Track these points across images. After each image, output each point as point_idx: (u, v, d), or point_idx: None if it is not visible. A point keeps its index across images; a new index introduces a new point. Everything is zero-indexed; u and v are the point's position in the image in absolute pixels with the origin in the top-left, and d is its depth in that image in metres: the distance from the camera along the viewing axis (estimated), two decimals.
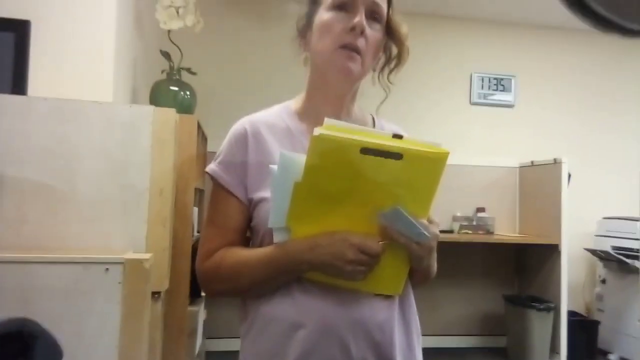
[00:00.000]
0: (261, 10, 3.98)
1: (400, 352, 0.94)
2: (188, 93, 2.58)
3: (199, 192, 2.76)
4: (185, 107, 2.50)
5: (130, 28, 2.47)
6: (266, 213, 0.90)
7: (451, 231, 3.99)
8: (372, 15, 0.96)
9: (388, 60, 1.03)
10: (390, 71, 1.04)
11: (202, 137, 2.88)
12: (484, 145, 4.29)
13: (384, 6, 0.98)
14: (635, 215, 3.73)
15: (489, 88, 4.36)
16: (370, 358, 0.90)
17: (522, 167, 4.24)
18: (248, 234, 1.00)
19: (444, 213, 4.01)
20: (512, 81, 4.37)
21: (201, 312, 2.61)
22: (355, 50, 0.94)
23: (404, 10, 1.03)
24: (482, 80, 4.35)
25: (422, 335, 1.03)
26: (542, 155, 3.98)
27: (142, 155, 1.77)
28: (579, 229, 4.01)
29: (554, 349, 3.60)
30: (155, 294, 1.77)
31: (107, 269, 1.53)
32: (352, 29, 0.93)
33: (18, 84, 1.99)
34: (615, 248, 3.80)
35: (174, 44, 2.56)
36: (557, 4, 0.56)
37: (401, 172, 0.80)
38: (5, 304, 1.44)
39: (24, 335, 0.50)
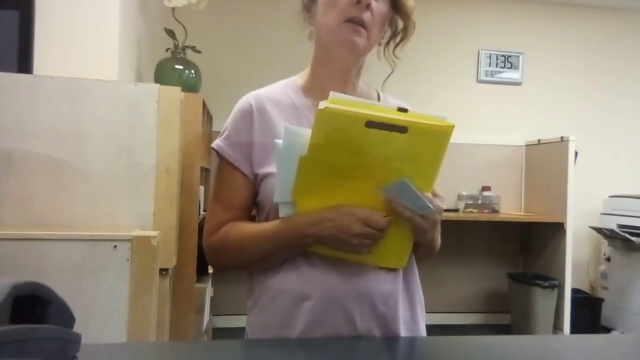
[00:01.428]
0: None
1: (404, 324, 0.95)
2: (193, 71, 2.57)
3: (205, 170, 2.78)
4: (191, 86, 2.50)
5: (135, 6, 2.45)
6: (272, 188, 0.91)
7: (456, 210, 3.99)
8: None
9: (394, 34, 1.03)
10: (396, 45, 1.03)
11: (208, 116, 2.89)
12: (490, 124, 4.27)
13: None
14: None
15: (496, 65, 4.31)
16: (375, 329, 0.92)
17: (528, 146, 4.21)
18: (254, 210, 1.01)
19: (449, 192, 4.00)
20: (520, 58, 4.32)
21: (208, 289, 2.65)
22: (361, 23, 0.93)
23: None
24: (490, 57, 4.30)
25: (427, 312, 1.04)
26: (550, 133, 3.95)
27: (148, 134, 1.78)
28: (585, 207, 4.01)
29: (558, 325, 3.63)
30: (163, 271, 1.80)
31: (115, 246, 1.55)
32: (358, 2, 0.92)
33: (23, 62, 1.99)
34: (620, 226, 3.80)
35: (179, 22, 2.54)
36: None
37: (406, 145, 0.81)
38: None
39: (36, 298, 0.52)
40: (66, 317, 0.53)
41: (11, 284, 0.46)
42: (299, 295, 0.90)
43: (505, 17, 4.32)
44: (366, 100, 0.84)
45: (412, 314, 0.98)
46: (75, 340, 0.53)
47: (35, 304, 0.50)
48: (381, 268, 0.92)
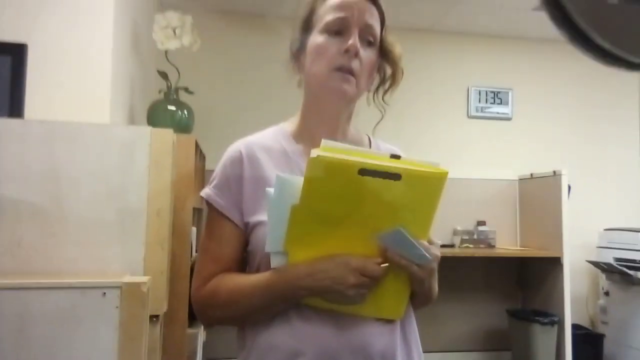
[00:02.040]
0: (258, 29, 3.99)
1: None
2: (186, 112, 2.58)
3: (198, 211, 2.75)
4: (183, 127, 2.50)
5: (127, 49, 2.47)
6: (263, 237, 0.89)
7: (452, 245, 3.96)
8: (366, 37, 0.96)
9: (382, 81, 1.03)
10: (385, 92, 1.03)
11: (200, 156, 2.88)
12: (482, 159, 4.29)
13: (378, 27, 0.98)
14: (637, 226, 3.71)
15: (486, 101, 4.37)
16: None
17: (521, 180, 4.23)
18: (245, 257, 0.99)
19: (444, 227, 3.99)
20: (510, 94, 4.39)
21: (200, 334, 2.58)
22: (350, 72, 0.94)
23: (399, 26, 1.03)
24: (480, 93, 4.36)
25: (425, 352, 1.01)
26: (541, 167, 3.97)
27: (139, 177, 1.76)
28: (581, 241, 3.98)
29: None
30: (154, 318, 1.75)
31: (104, 293, 1.51)
32: (346, 51, 0.93)
33: (15, 108, 1.99)
34: (617, 259, 3.77)
35: (171, 64, 2.56)
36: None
37: (400, 192, 0.79)
38: (0, 330, 1.42)
39: None
40: None
41: None
42: (291, 351, 0.86)
43: (494, 54, 4.40)
44: (358, 148, 0.83)
45: None
46: None
47: None
48: (378, 320, 0.89)
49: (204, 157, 3.06)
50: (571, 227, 3.63)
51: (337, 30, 0.95)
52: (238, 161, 0.97)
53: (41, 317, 1.46)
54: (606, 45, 0.46)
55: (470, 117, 4.35)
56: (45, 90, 2.03)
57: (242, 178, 0.95)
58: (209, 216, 0.98)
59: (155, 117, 2.52)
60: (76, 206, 1.69)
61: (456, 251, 3.84)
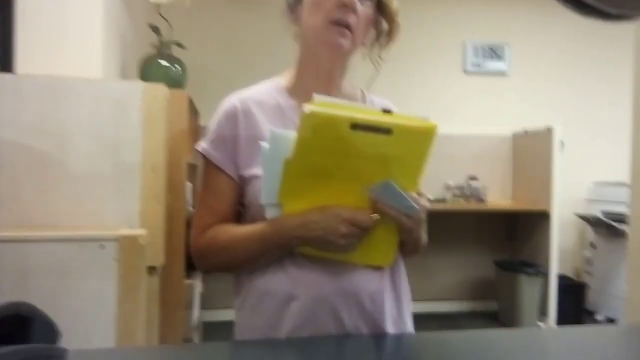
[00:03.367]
0: None
1: (392, 321, 0.97)
2: (178, 68, 2.55)
3: (192, 167, 2.77)
4: (176, 82, 2.48)
5: (119, 2, 2.42)
6: (258, 190, 0.91)
7: (444, 200, 4.03)
8: None
9: (379, 36, 1.03)
10: (381, 47, 1.03)
11: (194, 112, 2.87)
12: (477, 114, 4.30)
13: None
14: (626, 180, 3.76)
15: (482, 56, 4.33)
16: (363, 327, 0.93)
17: (515, 136, 4.25)
18: (240, 210, 1.02)
19: (436, 182, 4.04)
20: (506, 49, 4.35)
21: (197, 285, 2.65)
22: (346, 26, 0.94)
23: None
24: (476, 48, 4.32)
25: (415, 300, 1.06)
26: (535, 123, 3.99)
27: (133, 132, 1.77)
28: (571, 195, 4.07)
29: (543, 311, 3.69)
30: (151, 269, 1.80)
31: (102, 245, 1.55)
32: (343, 4, 0.92)
33: (5, 61, 1.97)
34: (605, 213, 3.86)
35: (164, 18, 2.51)
36: None
37: (391, 146, 0.81)
38: (2, 283, 1.46)
39: (20, 318, 0.51)
40: (51, 333, 0.53)
41: None
42: (286, 295, 0.91)
43: (490, 8, 4.33)
44: (351, 102, 0.84)
45: (399, 310, 0.99)
46: (61, 355, 0.52)
47: (18, 324, 0.50)
48: (368, 267, 0.94)
49: (197, 114, 3.05)
50: (562, 182, 3.69)
51: None
52: (233, 115, 0.98)
53: (40, 269, 1.50)
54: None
55: (466, 72, 4.32)
56: (35, 44, 2.00)
57: (237, 132, 0.97)
58: (205, 169, 1.00)
59: (147, 72, 2.50)
60: (72, 160, 1.70)
61: (447, 205, 3.90)
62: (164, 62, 2.52)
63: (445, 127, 0.83)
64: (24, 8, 1.98)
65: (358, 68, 1.07)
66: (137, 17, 2.78)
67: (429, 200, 0.93)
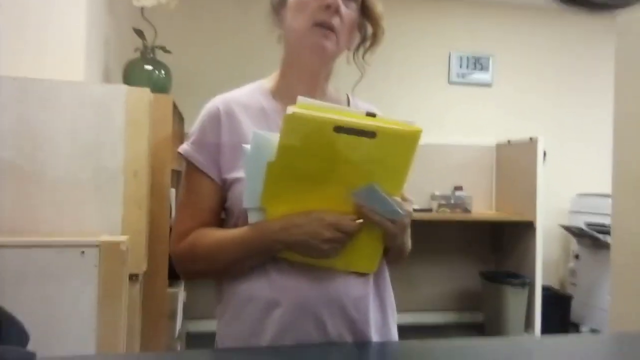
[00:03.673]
0: None
1: (376, 329, 0.95)
2: (163, 72, 2.53)
3: (176, 173, 2.74)
4: (160, 87, 2.46)
5: (102, 5, 2.40)
6: (240, 193, 0.89)
7: (429, 210, 4.03)
8: None
9: (363, 40, 1.03)
10: (366, 51, 1.03)
11: (179, 118, 2.84)
12: (462, 125, 4.33)
13: None
14: (608, 191, 3.80)
15: (467, 67, 4.37)
16: (346, 334, 0.91)
17: (499, 146, 4.29)
18: (222, 215, 1.00)
19: (422, 192, 4.05)
20: (490, 60, 4.39)
21: (181, 294, 2.61)
22: (330, 28, 0.93)
23: None
24: (461, 59, 4.36)
25: (400, 311, 1.04)
26: (519, 134, 4.03)
27: (115, 136, 1.74)
28: (555, 206, 4.10)
29: (529, 323, 3.70)
30: (133, 277, 1.76)
31: (82, 252, 1.51)
32: (327, 7, 0.92)
33: None
34: (589, 224, 3.89)
35: (148, 22, 2.49)
36: None
37: (375, 150, 0.80)
38: None
39: None
40: (20, 336, 0.50)
41: None
42: (268, 302, 0.89)
43: (475, 20, 4.39)
44: (335, 105, 0.83)
45: (384, 318, 0.98)
46: (29, 359, 0.50)
47: None
48: (351, 273, 0.92)
49: (182, 119, 3.02)
50: (546, 193, 3.72)
51: None
52: (216, 118, 0.96)
53: (20, 276, 1.46)
54: None
55: (450, 83, 4.36)
56: (16, 46, 1.97)
57: (220, 135, 0.95)
58: (187, 172, 0.98)
59: (131, 76, 2.47)
60: (52, 165, 1.67)
61: (433, 215, 3.91)
62: (148, 66, 2.50)
63: (430, 137, 0.82)
64: (6, 10, 1.95)
65: (342, 72, 1.06)
66: (121, 21, 2.76)
67: (413, 208, 0.92)
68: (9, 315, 0.49)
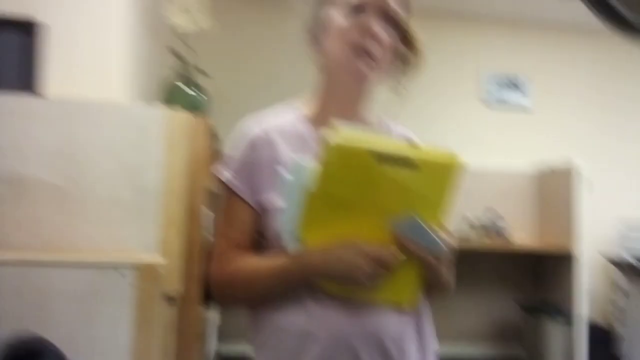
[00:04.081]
0: (273, 9, 3.96)
1: None
2: (201, 94, 2.58)
3: (211, 193, 2.76)
4: (198, 109, 2.50)
5: (143, 28, 2.47)
6: (278, 222, 0.88)
7: (466, 238, 3.93)
8: (388, 20, 0.95)
9: (403, 66, 1.01)
10: (405, 77, 1.02)
11: (214, 139, 2.88)
12: (499, 149, 4.23)
13: (401, 12, 0.96)
14: None
15: (504, 90, 4.30)
16: None
17: (539, 172, 4.16)
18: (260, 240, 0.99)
19: (459, 219, 3.95)
20: (528, 83, 4.31)
21: (214, 316, 2.61)
22: (370, 55, 0.92)
23: (418, 8, 1.01)
24: (497, 82, 4.29)
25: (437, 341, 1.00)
26: (559, 159, 3.91)
27: (155, 157, 1.77)
28: (598, 236, 3.92)
29: (570, 357, 3.52)
30: (169, 298, 1.77)
31: (121, 272, 1.53)
32: (369, 35, 0.91)
33: (30, 85, 2.00)
34: (635, 257, 3.71)
35: (187, 45, 2.55)
36: (574, 4, 0.54)
37: (416, 181, 0.79)
38: (20, 306, 1.45)
39: (31, 353, 0.49)
40: None
41: (6, 343, 0.44)
42: (304, 334, 0.86)
43: (512, 41, 4.32)
44: (374, 133, 0.82)
45: (423, 357, 0.94)
46: None
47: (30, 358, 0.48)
48: (390, 308, 0.89)
49: (218, 140, 3.06)
50: (589, 222, 3.57)
51: (360, 11, 0.93)
52: (255, 144, 0.96)
53: (59, 294, 1.49)
54: (624, 12, 0.45)
55: (487, 106, 4.28)
56: (60, 68, 2.03)
57: (259, 161, 0.95)
58: (226, 198, 0.97)
59: (170, 98, 2.52)
60: (93, 185, 1.71)
61: (471, 244, 3.81)
62: (186, 89, 2.55)
63: (466, 162, 0.80)
64: (50, 31, 2.02)
65: (378, 96, 1.05)
66: (161, 44, 2.83)
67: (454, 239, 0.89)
68: (52, 348, 0.49)
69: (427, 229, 0.81)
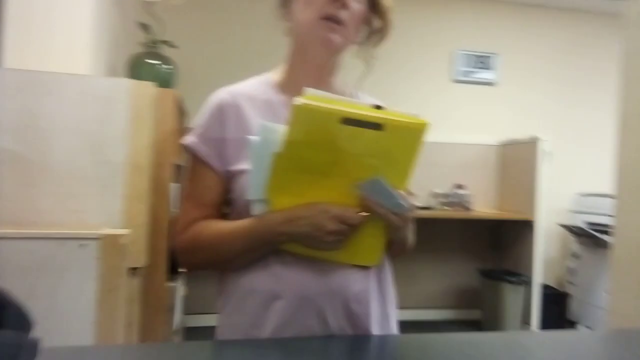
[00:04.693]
0: None
1: (376, 323, 0.95)
2: (168, 67, 2.53)
3: (178, 168, 2.73)
4: (165, 81, 2.46)
5: (109, 0, 2.40)
6: (244, 185, 0.90)
7: (430, 207, 4.04)
8: None
9: (371, 34, 1.02)
10: (373, 45, 1.03)
11: (182, 112, 2.84)
12: (465, 123, 4.33)
13: None
14: (610, 191, 3.80)
15: (471, 66, 4.37)
16: (347, 328, 0.91)
17: (501, 145, 4.29)
18: (226, 208, 1.00)
19: (423, 189, 4.05)
20: (495, 59, 4.39)
21: (180, 288, 2.61)
22: (337, 21, 0.93)
23: None
24: (465, 57, 4.36)
25: (400, 308, 1.04)
26: (523, 133, 4.03)
27: (119, 130, 1.74)
28: (555, 205, 4.10)
29: (526, 320, 3.71)
30: (133, 270, 1.76)
31: (82, 244, 1.51)
32: (336, 1, 0.91)
33: None
34: (589, 224, 3.90)
35: (154, 16, 2.49)
36: None
37: (381, 142, 0.80)
38: None
39: None
40: (24, 322, 0.50)
41: None
42: (270, 294, 0.89)
43: (480, 18, 4.38)
44: (341, 97, 0.83)
45: (384, 311, 0.98)
46: (33, 345, 0.50)
47: None
48: (354, 266, 0.92)
49: (186, 114, 3.02)
50: (547, 192, 3.72)
51: None
52: (221, 109, 0.96)
53: (19, 267, 1.47)
54: None
55: (454, 81, 4.35)
56: (23, 39, 1.96)
57: (225, 126, 0.95)
58: (191, 164, 0.98)
59: (136, 70, 2.47)
60: (55, 157, 1.67)
61: (433, 213, 3.92)
62: (153, 61, 2.49)
63: (432, 135, 0.82)
64: (13, 3, 1.94)
65: (348, 65, 1.06)
66: (127, 15, 2.76)
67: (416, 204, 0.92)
68: (14, 300, 0.49)
69: (390, 190, 0.83)
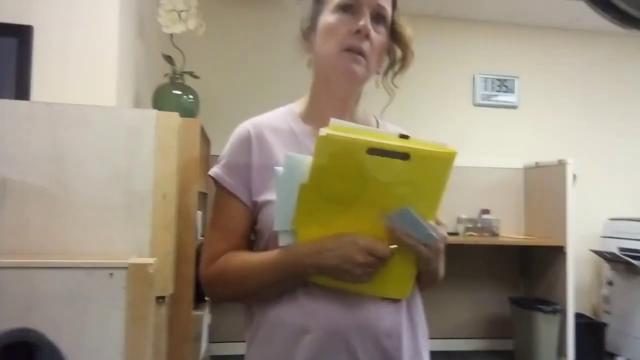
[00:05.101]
0: (264, 11, 3.98)
1: (408, 357, 0.92)
2: (191, 97, 2.57)
3: (203, 195, 2.76)
4: (189, 111, 2.50)
5: (133, 32, 2.47)
6: (271, 216, 0.89)
7: (456, 233, 3.97)
8: (377, 18, 0.96)
9: (392, 63, 1.03)
10: (395, 74, 1.03)
11: (206, 141, 2.88)
12: (488, 147, 4.28)
13: (389, 9, 0.98)
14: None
15: (492, 89, 4.34)
16: None
17: (526, 169, 4.21)
18: (252, 237, 0.99)
19: (448, 215, 3.99)
20: (516, 82, 4.36)
21: (206, 316, 2.60)
22: (360, 53, 0.94)
23: (407, 12, 1.03)
24: (485, 81, 4.34)
25: (428, 338, 1.01)
26: (547, 156, 3.96)
27: (145, 160, 1.77)
28: (585, 230, 3.98)
29: (561, 351, 3.57)
30: (160, 299, 1.76)
31: (111, 273, 1.52)
32: (357, 31, 0.92)
33: (21, 90, 1.99)
34: (621, 249, 3.77)
35: (177, 48, 2.55)
36: (560, 5, 0.56)
37: (408, 172, 0.79)
38: (8, 310, 1.43)
39: (26, 346, 0.49)
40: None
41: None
42: (298, 328, 0.87)
43: (500, 42, 4.38)
44: (367, 127, 0.83)
45: (416, 346, 0.95)
46: None
47: (25, 351, 0.48)
48: (384, 299, 0.90)
49: (209, 142, 3.06)
50: (576, 217, 3.62)
51: (348, 9, 0.94)
52: (246, 141, 0.97)
53: (48, 297, 1.47)
54: (622, 5, 0.46)
55: (475, 104, 4.33)
56: (51, 73, 2.03)
57: (250, 157, 0.95)
58: (218, 195, 0.98)
59: (160, 101, 2.52)
60: (82, 189, 1.69)
61: (460, 239, 3.84)
62: (176, 91, 2.54)
63: (456, 160, 0.80)
64: (41, 38, 2.01)
65: (371, 95, 1.06)
66: (151, 47, 2.83)
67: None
68: (47, 340, 0.49)
69: (420, 220, 0.81)
